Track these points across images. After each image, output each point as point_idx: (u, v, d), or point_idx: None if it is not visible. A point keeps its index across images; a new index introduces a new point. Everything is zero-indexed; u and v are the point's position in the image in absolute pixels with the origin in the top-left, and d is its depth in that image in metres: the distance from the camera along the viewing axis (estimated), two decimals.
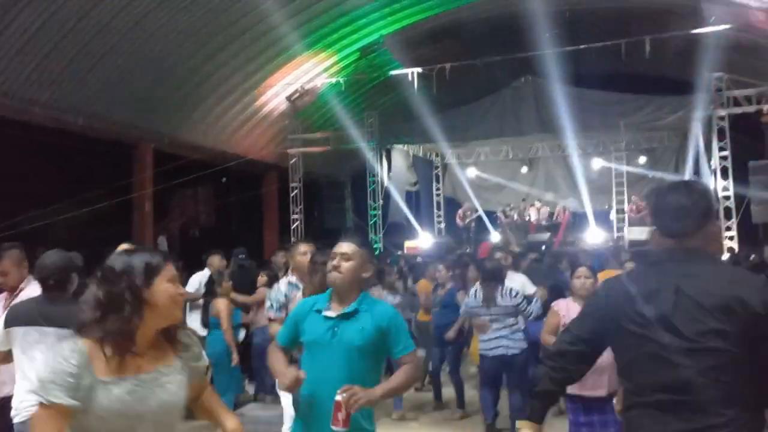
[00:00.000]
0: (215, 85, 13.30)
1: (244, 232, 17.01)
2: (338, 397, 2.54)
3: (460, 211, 17.72)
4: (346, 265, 2.79)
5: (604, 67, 14.98)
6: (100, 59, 10.94)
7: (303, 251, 4.42)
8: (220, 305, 5.84)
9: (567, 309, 4.26)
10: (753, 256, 8.89)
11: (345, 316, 2.77)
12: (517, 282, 6.44)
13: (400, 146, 17.87)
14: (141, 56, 11.47)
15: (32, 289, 3.83)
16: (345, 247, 2.82)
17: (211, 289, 6.13)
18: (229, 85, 13.56)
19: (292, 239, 16.18)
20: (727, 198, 13.90)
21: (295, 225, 16.87)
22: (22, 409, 3.17)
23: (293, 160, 16.85)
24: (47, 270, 3.29)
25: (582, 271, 4.35)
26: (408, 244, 16.76)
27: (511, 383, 5.64)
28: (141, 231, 13.43)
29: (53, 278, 3.27)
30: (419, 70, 14.31)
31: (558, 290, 6.28)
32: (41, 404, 1.78)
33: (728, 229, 13.78)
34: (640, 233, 15.17)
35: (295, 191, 16.94)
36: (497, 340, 5.47)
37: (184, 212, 18.06)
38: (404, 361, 2.81)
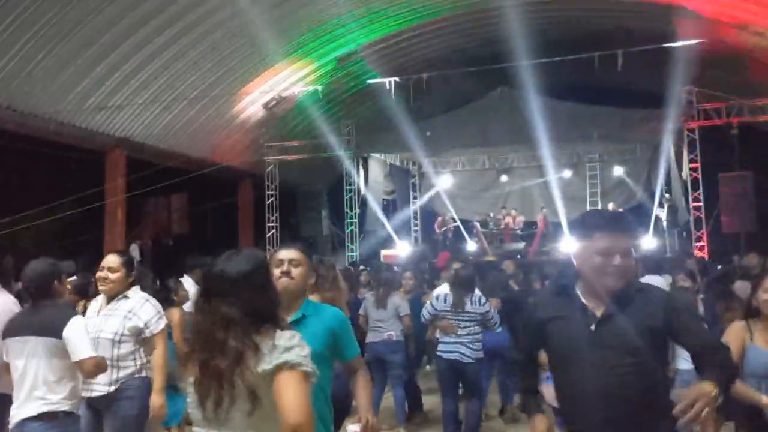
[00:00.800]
0: (191, 92, 13.19)
1: (218, 240, 16.85)
2: (354, 428, 2.45)
3: (438, 220, 17.78)
4: (296, 271, 2.71)
5: (578, 80, 15.19)
6: (70, 64, 10.78)
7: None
8: (173, 315, 5.67)
9: None
10: (719, 266, 9.06)
11: (294, 324, 2.59)
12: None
13: (377, 155, 17.89)
14: (114, 62, 11.33)
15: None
16: (292, 253, 2.75)
17: (167, 297, 5.87)
18: (205, 92, 13.45)
19: (268, 247, 16.06)
20: (697, 209, 14.15)
21: (270, 233, 16.76)
22: (14, 415, 3.27)
23: (269, 168, 16.76)
24: (26, 278, 3.37)
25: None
26: (384, 252, 16.76)
27: (466, 390, 5.69)
28: (112, 239, 13.23)
29: (33, 286, 3.35)
30: (396, 79, 14.36)
31: (511, 302, 6.34)
32: (305, 372, 1.93)
33: (698, 239, 14.01)
34: None
35: (271, 199, 16.84)
36: (456, 345, 5.48)
37: (158, 220, 17.83)
38: (355, 365, 2.78)
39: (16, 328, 3.33)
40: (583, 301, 2.36)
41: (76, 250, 13.20)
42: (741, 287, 5.41)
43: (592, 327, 2.30)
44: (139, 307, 3.91)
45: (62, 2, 9.61)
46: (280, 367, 1.92)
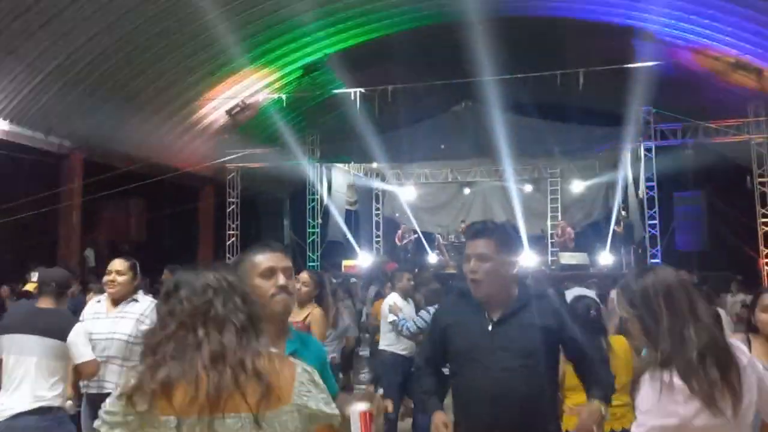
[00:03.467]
0: (152, 95, 12.98)
1: (177, 247, 16.54)
2: (365, 407, 2.10)
3: (399, 232, 17.81)
4: (293, 284, 2.15)
5: (541, 97, 15.43)
6: (28, 64, 10.51)
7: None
8: None
9: None
10: None
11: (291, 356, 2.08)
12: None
13: (340, 165, 17.86)
14: (73, 62, 11.08)
15: None
16: (284, 259, 2.13)
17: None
18: (167, 95, 13.25)
19: (228, 256, 15.84)
20: (652, 227, 14.50)
21: (231, 241, 16.55)
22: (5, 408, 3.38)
23: (231, 175, 16.58)
24: (49, 280, 3.69)
25: None
26: (346, 263, 16.70)
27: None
28: (67, 243, 12.89)
29: (56, 289, 3.66)
30: (362, 90, 14.38)
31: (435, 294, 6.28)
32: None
33: (653, 256, 14.35)
34: (571, 258, 15.65)
35: (232, 206, 16.65)
36: None
37: (114, 225, 17.41)
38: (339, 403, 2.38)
39: (15, 325, 3.53)
40: (482, 305, 2.50)
41: (29, 254, 12.82)
42: None
43: (489, 329, 2.44)
44: (150, 311, 3.99)
45: (17, 2, 9.38)
46: (328, 419, 1.67)
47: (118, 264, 4.11)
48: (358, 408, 2.08)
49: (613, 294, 5.87)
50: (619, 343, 3.73)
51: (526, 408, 2.32)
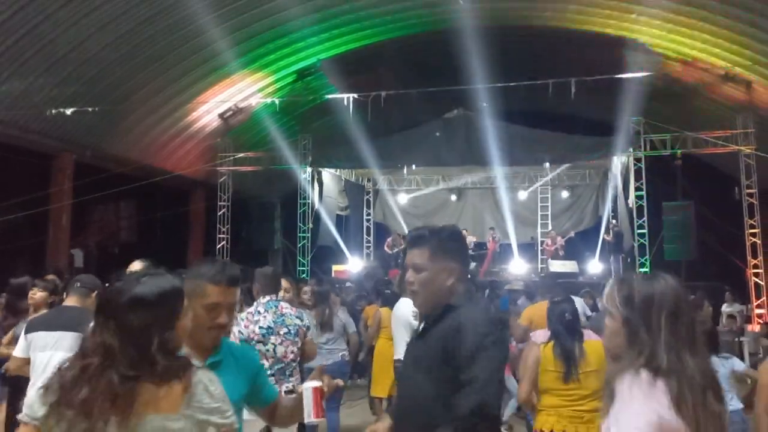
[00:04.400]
0: (145, 97, 12.96)
1: (167, 250, 16.48)
2: (317, 384, 2.23)
3: (389, 240, 17.83)
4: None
5: (533, 105, 15.55)
6: (21, 64, 10.48)
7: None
8: None
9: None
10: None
11: (210, 368, 2.04)
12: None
13: (332, 170, 17.88)
14: (65, 63, 11.06)
15: None
16: (232, 293, 2.24)
17: None
18: (159, 98, 13.24)
19: (218, 258, 15.80)
20: (642, 236, 14.59)
21: (221, 244, 16.52)
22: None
23: (222, 179, 16.56)
24: (82, 283, 4.08)
25: None
26: (336, 267, 16.70)
27: None
28: (56, 244, 12.83)
29: (86, 293, 4.00)
30: (355, 95, 14.42)
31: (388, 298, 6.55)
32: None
33: (642, 265, 14.44)
34: (562, 266, 15.71)
35: (223, 210, 16.62)
36: None
37: (104, 227, 17.38)
38: (277, 402, 2.41)
39: (44, 323, 3.86)
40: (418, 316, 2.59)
41: (17, 254, 12.74)
42: None
43: (414, 340, 2.48)
44: None
45: (10, 2, 9.35)
46: (222, 429, 1.73)
47: (136, 266, 4.06)
48: (310, 384, 2.20)
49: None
50: (593, 349, 3.74)
51: (420, 421, 2.23)
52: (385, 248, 17.78)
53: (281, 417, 2.43)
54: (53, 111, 11.48)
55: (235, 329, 4.16)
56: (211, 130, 15.70)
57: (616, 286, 1.93)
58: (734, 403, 4.47)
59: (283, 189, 17.71)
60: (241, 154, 16.27)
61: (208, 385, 1.75)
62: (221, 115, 15.31)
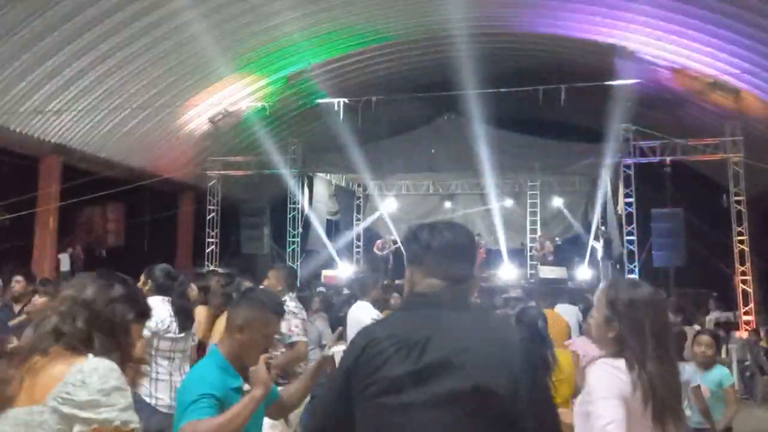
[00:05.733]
0: (133, 99, 12.86)
1: (155, 253, 16.34)
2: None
3: (378, 242, 17.79)
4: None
5: (523, 111, 15.58)
6: (6, 66, 10.38)
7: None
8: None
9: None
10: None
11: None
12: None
13: (322, 174, 17.83)
14: (54, 65, 10.96)
15: None
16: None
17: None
18: (149, 100, 13.14)
19: (206, 264, 15.70)
20: (630, 242, 14.64)
21: (210, 249, 16.40)
22: None
23: (212, 183, 16.46)
24: None
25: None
26: (326, 273, 16.62)
27: None
28: (43, 247, 12.69)
29: None
30: (345, 100, 14.40)
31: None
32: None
33: (630, 272, 14.48)
34: (551, 272, 15.74)
35: (212, 214, 16.52)
36: None
37: (92, 230, 17.23)
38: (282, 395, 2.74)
39: None
40: None
41: (3, 257, 12.59)
42: None
43: None
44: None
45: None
46: (96, 426, 1.59)
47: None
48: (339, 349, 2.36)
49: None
50: (564, 356, 3.77)
51: None
52: (375, 250, 17.74)
53: (289, 406, 2.72)
54: (40, 113, 11.39)
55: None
56: (200, 134, 15.62)
57: (605, 288, 2.31)
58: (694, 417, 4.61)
59: (272, 193, 17.66)
60: (230, 158, 16.20)
61: (87, 376, 1.61)
62: (211, 119, 15.23)
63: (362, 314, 5.45)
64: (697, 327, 6.81)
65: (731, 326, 12.57)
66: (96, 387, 1.60)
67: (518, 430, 1.74)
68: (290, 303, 4.98)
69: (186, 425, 2.27)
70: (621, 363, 2.17)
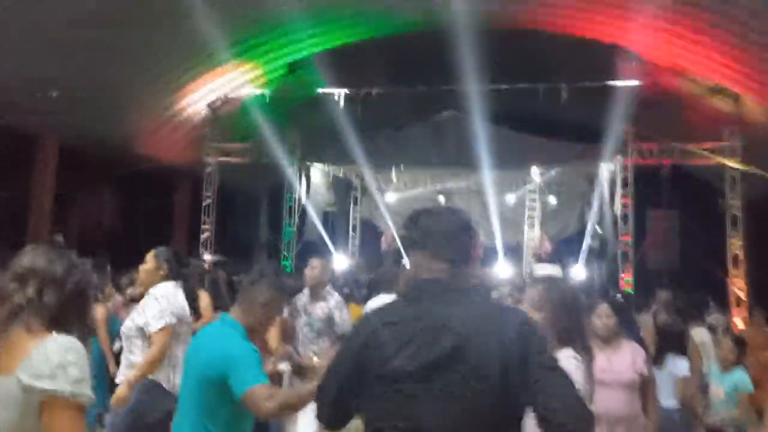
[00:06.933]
0: (131, 81, 12.78)
1: (151, 239, 16.30)
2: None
3: (384, 237, 17.81)
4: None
5: (523, 109, 15.57)
6: (4, 45, 10.31)
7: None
8: (97, 310, 5.53)
9: None
10: (618, 294, 9.60)
11: None
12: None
13: (320, 165, 17.80)
14: (51, 41, 10.86)
15: None
16: None
17: None
18: (147, 83, 13.06)
19: (202, 250, 15.69)
20: (626, 243, 14.67)
21: (205, 236, 16.35)
22: None
23: (209, 169, 16.39)
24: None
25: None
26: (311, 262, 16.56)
27: None
28: (37, 229, 12.65)
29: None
30: (346, 91, 14.36)
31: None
32: (80, 403, 1.75)
33: (624, 272, 14.52)
34: (544, 270, 15.74)
35: (209, 201, 16.45)
36: None
37: (88, 214, 17.17)
38: None
39: None
40: None
41: None
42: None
43: None
44: (146, 304, 4.04)
45: None
46: (50, 395, 1.71)
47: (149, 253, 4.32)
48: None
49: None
50: None
51: None
52: (382, 245, 17.73)
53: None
54: (38, 94, 11.31)
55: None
56: (199, 120, 15.56)
57: (545, 287, 3.16)
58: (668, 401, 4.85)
59: (270, 183, 17.62)
60: (228, 145, 16.14)
61: (49, 351, 1.74)
62: (210, 105, 15.18)
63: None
64: (705, 327, 6.89)
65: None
66: (55, 361, 1.72)
67: (537, 407, 1.79)
68: (335, 293, 5.37)
69: (259, 388, 2.55)
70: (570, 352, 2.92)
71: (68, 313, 1.85)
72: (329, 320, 5.20)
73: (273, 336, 4.93)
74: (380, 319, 1.97)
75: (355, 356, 1.90)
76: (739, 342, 5.22)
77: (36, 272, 1.85)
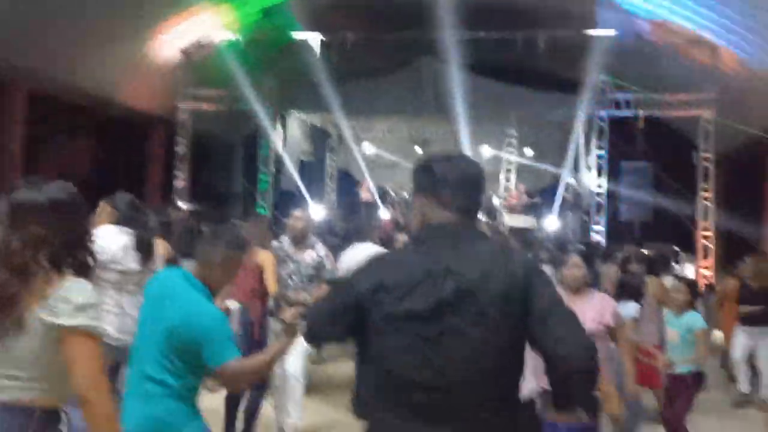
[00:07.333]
0: (101, 26, 12.35)
1: (124, 186, 16.03)
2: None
3: (363, 187, 17.79)
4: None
5: (501, 59, 15.43)
6: None
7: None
8: None
9: None
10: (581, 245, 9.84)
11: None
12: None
13: (296, 113, 17.55)
14: None
15: None
16: None
17: None
18: (117, 27, 12.64)
19: (176, 200, 15.54)
20: (600, 195, 14.84)
21: (180, 185, 16.14)
22: None
23: (183, 117, 16.06)
24: None
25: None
26: (297, 214, 16.53)
27: None
28: (4, 178, 12.38)
29: None
30: (322, 37, 14.07)
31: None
32: (98, 336, 1.95)
33: (597, 223, 14.74)
34: (518, 221, 15.96)
35: (183, 149, 16.17)
36: None
37: (59, 162, 16.80)
38: None
39: None
40: None
41: None
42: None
43: None
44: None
45: None
46: (72, 331, 1.90)
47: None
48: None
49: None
50: None
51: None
52: (362, 194, 17.69)
53: None
54: (3, 37, 10.90)
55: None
56: (171, 65, 15.16)
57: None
58: None
59: (245, 131, 17.37)
60: (202, 91, 15.79)
61: (68, 292, 1.93)
62: (183, 50, 14.79)
63: (369, 253, 5.58)
64: (670, 277, 7.08)
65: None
66: (75, 302, 1.91)
67: (541, 342, 1.87)
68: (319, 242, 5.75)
69: (234, 363, 2.63)
70: None
71: (78, 257, 2.02)
72: (319, 267, 5.44)
73: (270, 278, 5.15)
74: (389, 262, 2.04)
75: (361, 296, 1.93)
76: (691, 285, 5.38)
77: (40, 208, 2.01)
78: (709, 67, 13.59)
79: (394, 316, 1.87)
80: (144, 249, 4.34)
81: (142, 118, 15.75)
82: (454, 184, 1.99)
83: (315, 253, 5.51)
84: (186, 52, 14.89)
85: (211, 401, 4.36)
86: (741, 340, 7.39)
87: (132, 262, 4.26)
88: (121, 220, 4.36)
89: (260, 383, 4.69)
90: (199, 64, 15.43)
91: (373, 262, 2.06)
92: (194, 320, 2.69)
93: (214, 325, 2.70)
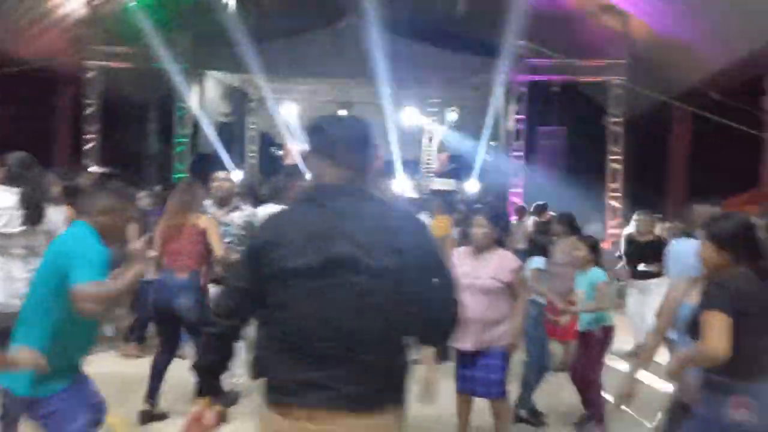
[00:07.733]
0: None
1: (31, 148, 15.19)
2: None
3: (286, 150, 17.51)
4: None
5: (422, 21, 15.37)
6: None
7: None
8: None
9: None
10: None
11: None
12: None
13: (214, 73, 16.99)
14: None
15: None
16: None
17: None
18: None
19: (85, 161, 14.86)
20: (518, 158, 15.15)
21: (90, 145, 15.41)
22: None
23: (91, 74, 15.25)
24: None
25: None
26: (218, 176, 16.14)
27: None
28: None
29: None
30: None
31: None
32: None
33: (515, 186, 15.07)
34: (442, 184, 16.17)
35: (92, 109, 15.39)
36: None
37: None
38: None
39: None
40: None
41: None
42: None
43: None
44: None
45: None
46: None
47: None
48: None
49: None
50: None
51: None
52: (283, 158, 17.39)
53: None
54: None
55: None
56: (77, 18, 14.32)
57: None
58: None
59: (159, 90, 16.68)
60: (112, 48, 15.02)
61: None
62: (88, 3, 13.98)
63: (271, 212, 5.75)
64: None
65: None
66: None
67: (425, 305, 1.99)
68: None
69: (86, 284, 2.64)
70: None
71: None
72: (249, 226, 5.44)
73: (215, 242, 4.97)
74: (281, 219, 2.10)
75: (257, 255, 2.00)
76: (593, 245, 5.55)
77: None
78: (621, 34, 13.96)
79: (287, 272, 1.94)
80: (32, 207, 4.09)
81: (49, 75, 14.85)
82: (343, 144, 2.05)
83: (243, 213, 5.55)
84: (92, 5, 14.09)
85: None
86: (634, 294, 7.73)
87: (16, 224, 4.02)
88: (9, 180, 4.10)
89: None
90: (108, 19, 14.64)
91: (269, 220, 2.14)
92: (67, 245, 2.83)
93: (83, 251, 2.76)
